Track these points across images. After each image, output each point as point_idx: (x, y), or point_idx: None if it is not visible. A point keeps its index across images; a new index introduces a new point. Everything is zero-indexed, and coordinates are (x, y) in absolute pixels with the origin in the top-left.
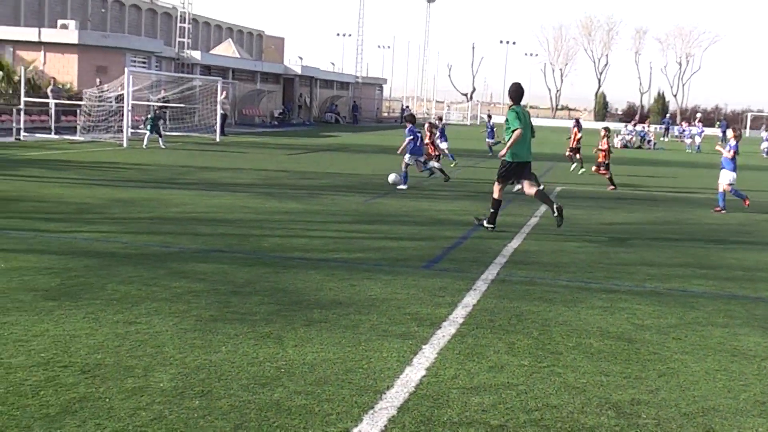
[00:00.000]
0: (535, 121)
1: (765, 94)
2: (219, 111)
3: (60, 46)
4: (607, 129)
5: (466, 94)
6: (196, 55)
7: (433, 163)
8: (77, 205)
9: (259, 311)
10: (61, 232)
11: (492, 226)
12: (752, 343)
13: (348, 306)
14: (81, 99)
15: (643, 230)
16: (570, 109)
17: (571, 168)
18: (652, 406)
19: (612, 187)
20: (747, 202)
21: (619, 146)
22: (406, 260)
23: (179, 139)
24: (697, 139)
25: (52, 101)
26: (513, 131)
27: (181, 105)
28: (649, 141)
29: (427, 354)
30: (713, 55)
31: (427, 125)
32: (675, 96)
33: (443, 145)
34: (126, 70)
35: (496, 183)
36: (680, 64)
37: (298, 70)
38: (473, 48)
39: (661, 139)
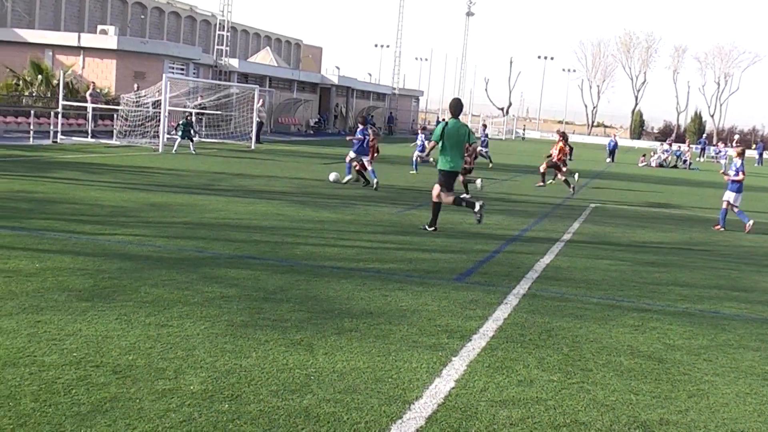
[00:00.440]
0: (571, 138)
1: None
2: (255, 118)
3: (99, 51)
4: (562, 134)
5: (502, 109)
6: (234, 62)
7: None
8: (112, 208)
9: (290, 318)
10: (95, 234)
11: (434, 227)
12: None
13: (379, 316)
14: (118, 104)
15: (677, 250)
16: (606, 126)
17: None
18: (680, 427)
19: (542, 183)
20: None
21: (654, 165)
22: (438, 272)
23: (214, 146)
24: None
25: (90, 105)
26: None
27: (218, 112)
28: (685, 161)
29: (457, 366)
30: (752, 75)
31: (371, 130)
32: (712, 116)
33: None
34: (164, 76)
35: (438, 188)
36: (718, 83)
37: (335, 80)
38: (511, 62)
39: (697, 159)
